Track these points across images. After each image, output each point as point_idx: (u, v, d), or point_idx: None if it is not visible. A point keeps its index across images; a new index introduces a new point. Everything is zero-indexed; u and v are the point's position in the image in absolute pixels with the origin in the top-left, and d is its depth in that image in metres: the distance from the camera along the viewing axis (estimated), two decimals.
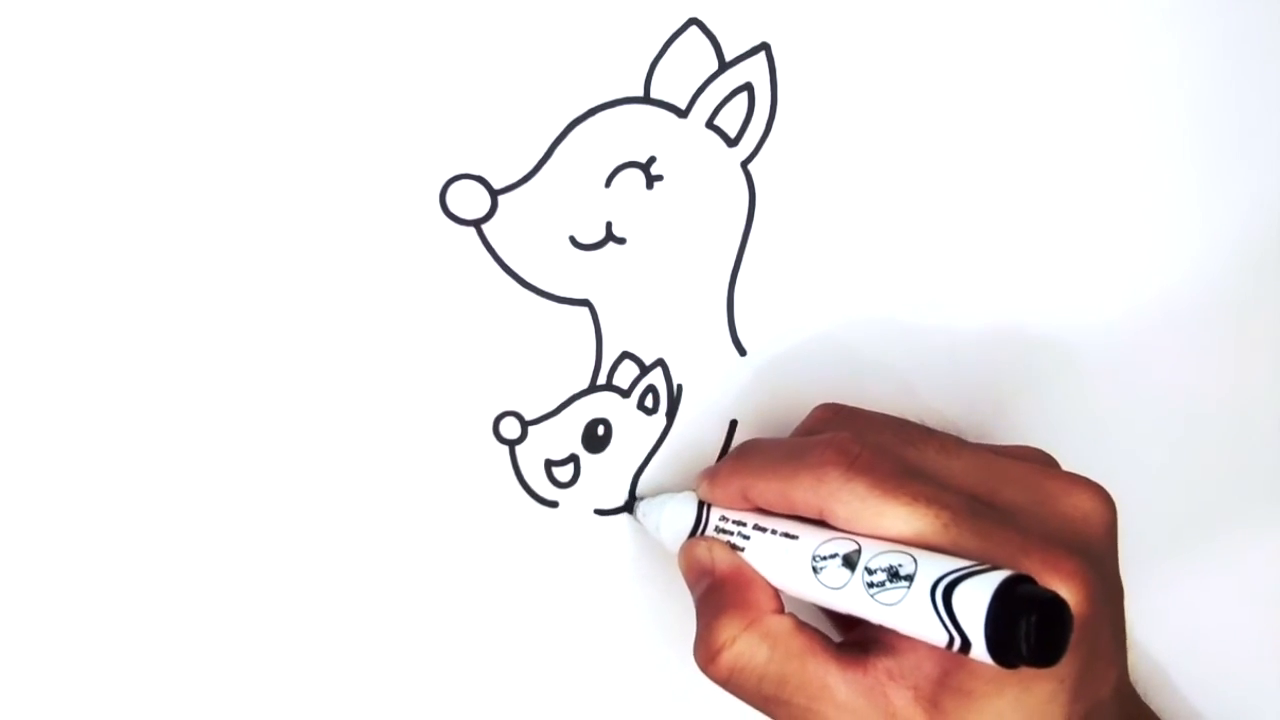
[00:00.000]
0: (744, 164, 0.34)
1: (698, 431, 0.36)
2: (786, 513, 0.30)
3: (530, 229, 0.32)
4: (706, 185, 0.34)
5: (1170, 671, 0.44)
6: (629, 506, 0.35)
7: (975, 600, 0.25)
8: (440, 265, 0.31)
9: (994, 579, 0.25)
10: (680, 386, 0.35)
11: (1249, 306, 0.42)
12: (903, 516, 0.27)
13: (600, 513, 0.35)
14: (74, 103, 0.28)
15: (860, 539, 0.28)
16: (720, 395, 0.36)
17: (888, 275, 0.37)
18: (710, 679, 0.30)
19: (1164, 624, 0.42)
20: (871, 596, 0.27)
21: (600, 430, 0.34)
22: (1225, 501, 0.44)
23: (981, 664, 0.25)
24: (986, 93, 0.36)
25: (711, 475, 0.32)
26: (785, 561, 0.29)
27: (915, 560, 0.26)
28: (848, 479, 0.28)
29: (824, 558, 0.28)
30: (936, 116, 0.36)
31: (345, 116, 0.30)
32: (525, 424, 0.33)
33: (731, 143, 0.34)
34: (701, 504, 0.32)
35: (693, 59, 0.32)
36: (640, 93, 0.32)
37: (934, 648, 0.26)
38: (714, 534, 0.32)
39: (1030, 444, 0.33)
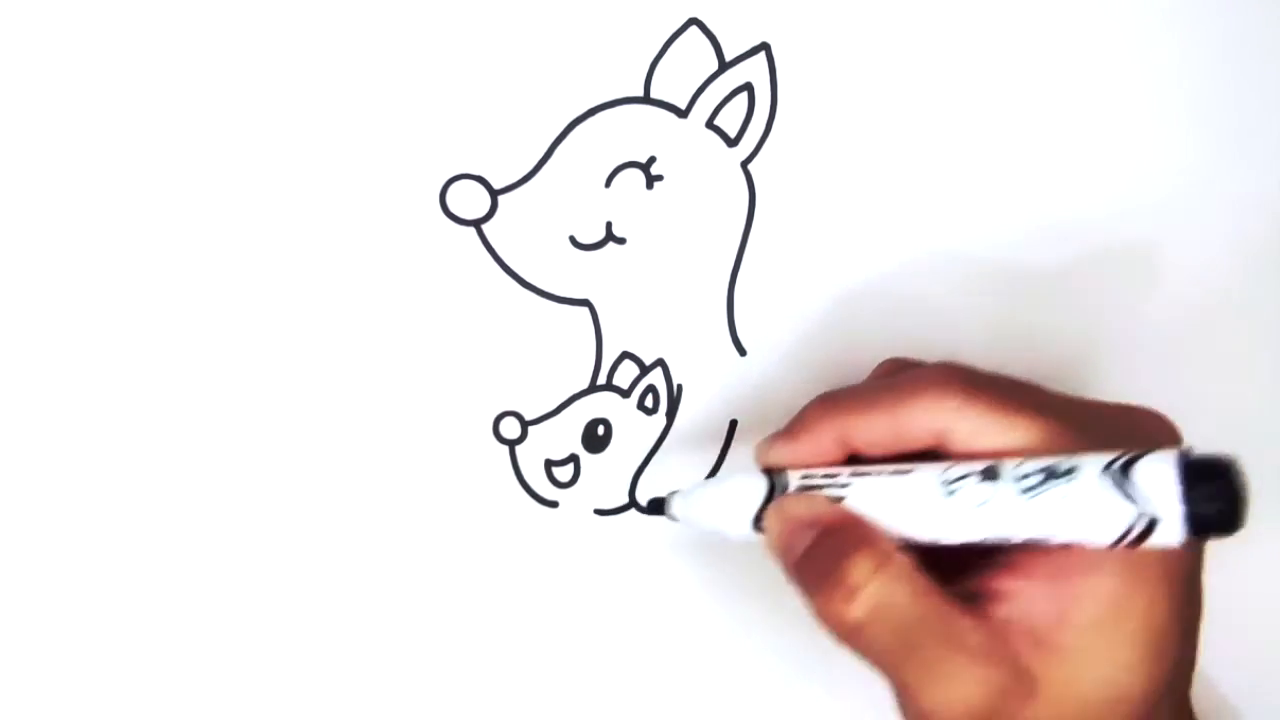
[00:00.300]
0: (744, 164, 0.34)
1: (698, 431, 0.36)
2: (890, 448, 0.29)
3: (530, 229, 0.32)
4: (706, 185, 0.34)
5: None
6: (632, 506, 0.35)
7: (1161, 473, 0.24)
8: (440, 265, 0.31)
9: (1169, 454, 0.24)
10: (680, 386, 0.35)
11: (1249, 306, 0.42)
12: (1032, 428, 0.27)
13: (600, 513, 0.35)
14: (75, 104, 0.28)
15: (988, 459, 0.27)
16: (720, 395, 0.36)
17: (888, 275, 0.37)
18: (836, 632, 0.28)
19: None
20: (1029, 500, 0.26)
21: (600, 430, 0.34)
22: None
23: (1094, 593, 0.26)
24: (986, 92, 0.36)
25: (792, 432, 0.30)
26: (904, 497, 0.28)
27: (1071, 456, 0.26)
28: (970, 396, 0.28)
29: (957, 479, 0.27)
30: (936, 116, 0.36)
31: (346, 117, 0.30)
32: (525, 424, 0.33)
33: (731, 143, 0.34)
34: (768, 473, 0.30)
35: (693, 59, 0.32)
36: (640, 93, 0.32)
37: (1041, 587, 0.26)
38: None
39: None
